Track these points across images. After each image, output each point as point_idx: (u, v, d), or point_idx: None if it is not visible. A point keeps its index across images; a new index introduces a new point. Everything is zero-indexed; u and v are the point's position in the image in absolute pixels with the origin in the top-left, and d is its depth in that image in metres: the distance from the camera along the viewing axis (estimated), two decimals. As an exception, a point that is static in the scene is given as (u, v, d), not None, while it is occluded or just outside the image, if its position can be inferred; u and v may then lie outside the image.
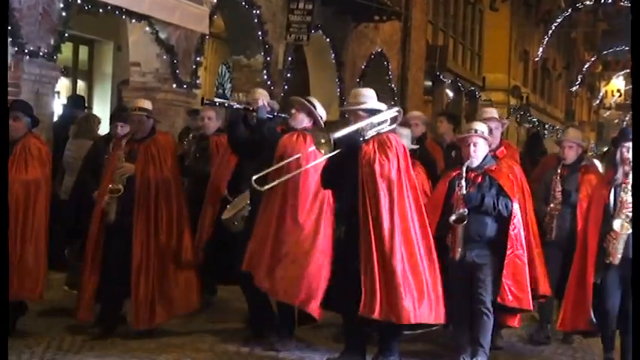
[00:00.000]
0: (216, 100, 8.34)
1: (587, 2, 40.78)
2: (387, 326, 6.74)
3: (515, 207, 6.97)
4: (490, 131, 7.51)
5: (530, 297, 7.05)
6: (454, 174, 7.06)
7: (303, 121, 7.49)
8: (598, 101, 54.60)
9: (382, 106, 7.08)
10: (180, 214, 7.76)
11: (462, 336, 7.04)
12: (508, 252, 6.89)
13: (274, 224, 7.16)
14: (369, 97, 7.06)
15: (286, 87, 15.50)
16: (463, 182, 6.84)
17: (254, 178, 6.96)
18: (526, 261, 7.03)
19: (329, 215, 7.19)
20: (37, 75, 9.70)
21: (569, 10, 39.22)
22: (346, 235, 6.83)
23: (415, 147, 8.06)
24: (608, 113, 54.47)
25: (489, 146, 7.21)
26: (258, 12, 14.44)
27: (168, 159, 7.74)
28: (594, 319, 6.95)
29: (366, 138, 6.77)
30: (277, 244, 7.12)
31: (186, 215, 7.84)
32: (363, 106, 6.95)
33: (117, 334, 7.49)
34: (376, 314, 6.54)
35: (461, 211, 6.76)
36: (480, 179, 6.97)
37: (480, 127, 7.15)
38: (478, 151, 7.00)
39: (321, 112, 7.56)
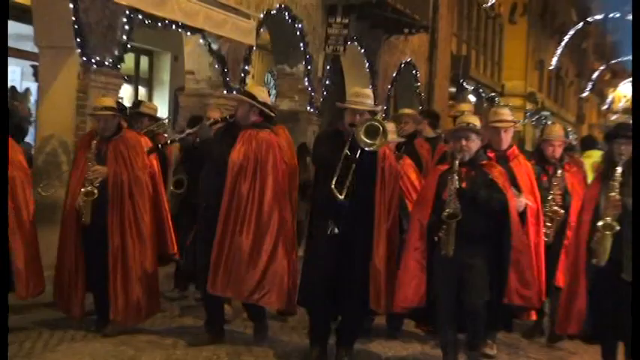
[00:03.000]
0: (169, 141, 7.64)
1: (597, 16, 40.34)
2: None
3: (512, 202, 6.05)
4: (506, 130, 6.97)
5: (537, 294, 6.27)
6: (444, 168, 6.13)
7: (247, 116, 6.56)
8: (607, 106, 54.01)
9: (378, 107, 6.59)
10: (159, 210, 7.10)
11: (449, 337, 6.10)
12: (510, 250, 5.97)
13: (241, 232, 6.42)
14: (372, 97, 6.48)
15: (325, 93, 15.47)
16: (455, 176, 5.91)
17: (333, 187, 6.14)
18: (530, 257, 6.25)
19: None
20: (103, 82, 9.71)
21: (581, 23, 38.85)
22: (342, 231, 6.16)
23: (402, 140, 7.51)
24: (615, 117, 53.67)
25: (483, 141, 6.32)
26: (300, 26, 14.40)
27: (138, 157, 6.92)
28: (587, 326, 5.95)
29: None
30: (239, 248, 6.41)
31: (165, 211, 7.18)
32: (372, 108, 6.41)
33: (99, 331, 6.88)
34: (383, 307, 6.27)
35: (454, 206, 5.82)
36: (472, 174, 6.05)
37: (472, 120, 6.24)
38: (470, 146, 6.07)
39: (263, 99, 6.59)
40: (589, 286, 5.86)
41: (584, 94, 46.38)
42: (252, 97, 6.53)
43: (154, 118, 8.91)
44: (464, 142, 6.04)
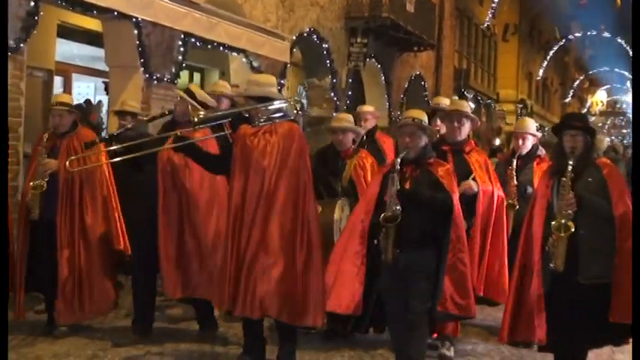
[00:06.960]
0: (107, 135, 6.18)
1: (577, 34, 39.83)
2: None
3: (457, 203, 4.71)
4: (459, 122, 5.62)
5: (473, 303, 4.83)
6: (388, 169, 4.81)
7: (186, 113, 5.35)
8: (586, 110, 53.35)
9: (274, 94, 4.95)
10: (108, 206, 5.75)
11: (403, 345, 4.70)
12: (449, 255, 4.65)
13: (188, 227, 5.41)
14: (262, 84, 4.92)
15: (348, 102, 15.37)
16: (396, 176, 4.55)
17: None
18: (468, 262, 4.80)
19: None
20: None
21: (564, 40, 38.40)
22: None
23: (361, 131, 6.28)
24: (593, 119, 53.07)
25: (430, 138, 4.87)
26: (326, 45, 14.31)
27: (92, 154, 5.68)
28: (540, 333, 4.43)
29: (256, 124, 4.81)
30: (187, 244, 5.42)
31: (114, 207, 5.78)
32: (250, 93, 4.91)
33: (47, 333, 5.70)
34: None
35: (393, 208, 4.50)
36: (417, 173, 4.70)
37: (418, 115, 4.83)
38: (415, 142, 4.73)
39: (202, 98, 5.46)
40: (545, 290, 4.43)
41: (567, 100, 45.89)
42: (192, 94, 5.43)
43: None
44: (407, 139, 4.72)
